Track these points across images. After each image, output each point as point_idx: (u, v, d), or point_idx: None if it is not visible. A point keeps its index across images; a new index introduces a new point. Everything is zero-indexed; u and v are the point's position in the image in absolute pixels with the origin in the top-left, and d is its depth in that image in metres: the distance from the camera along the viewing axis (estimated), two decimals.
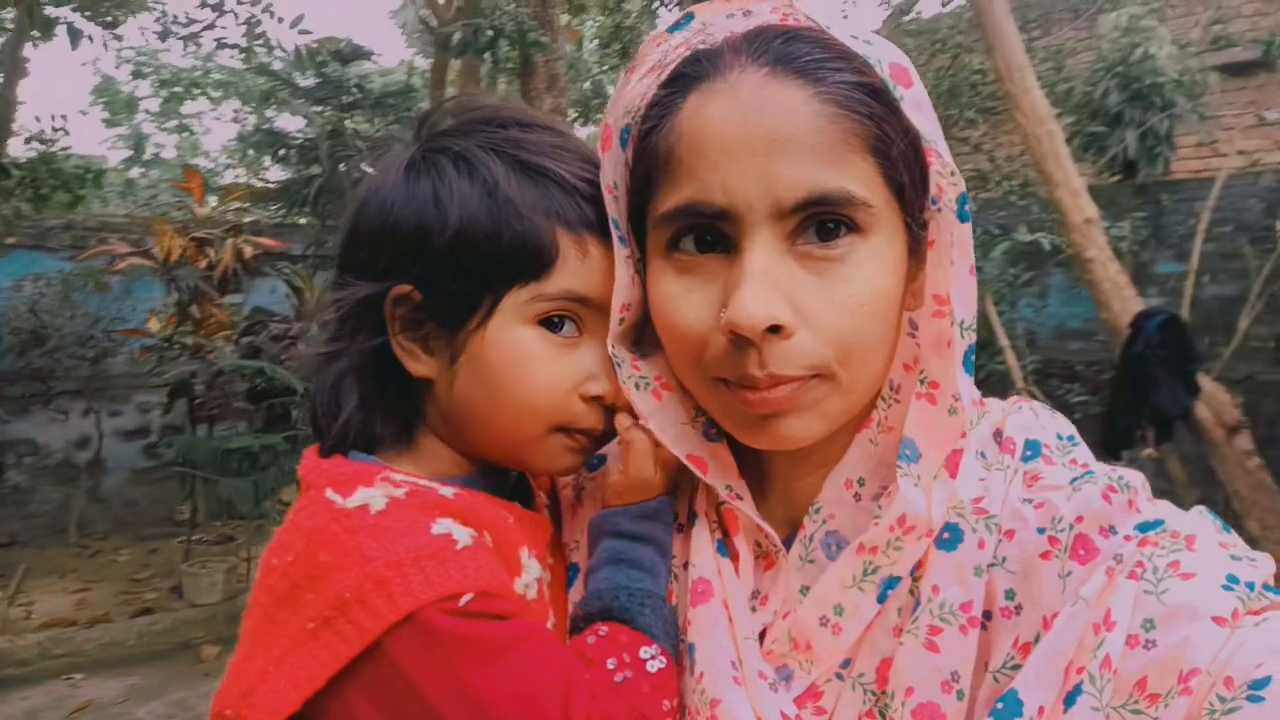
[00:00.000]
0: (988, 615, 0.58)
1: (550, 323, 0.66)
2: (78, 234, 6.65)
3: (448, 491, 0.64)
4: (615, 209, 0.67)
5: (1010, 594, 0.58)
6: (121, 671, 4.67)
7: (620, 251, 0.67)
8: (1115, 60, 6.66)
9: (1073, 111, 6.68)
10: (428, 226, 0.65)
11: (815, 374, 0.58)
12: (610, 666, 0.61)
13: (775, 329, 0.56)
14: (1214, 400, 4.12)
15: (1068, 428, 0.67)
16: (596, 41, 10.49)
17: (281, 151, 6.33)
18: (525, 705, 0.57)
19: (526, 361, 0.65)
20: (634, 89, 0.64)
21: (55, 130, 5.74)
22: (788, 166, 0.56)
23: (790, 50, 0.58)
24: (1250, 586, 0.53)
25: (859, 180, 0.57)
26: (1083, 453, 0.65)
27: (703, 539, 0.67)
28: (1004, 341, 5.79)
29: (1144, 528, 0.58)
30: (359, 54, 6.69)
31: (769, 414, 0.59)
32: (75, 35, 4.04)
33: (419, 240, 0.65)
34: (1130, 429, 4.08)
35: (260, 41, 4.56)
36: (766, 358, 0.57)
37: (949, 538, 0.59)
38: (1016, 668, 0.55)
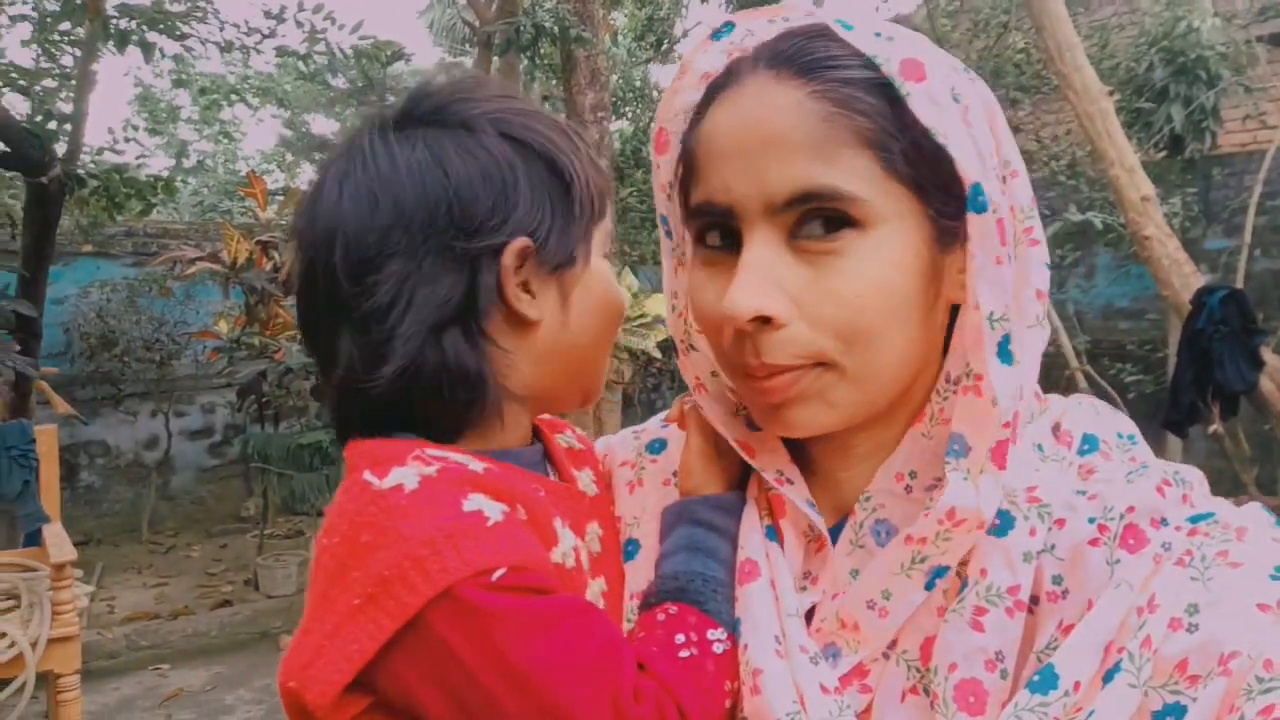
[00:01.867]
0: (1035, 600, 0.59)
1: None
2: (139, 240, 6.85)
3: (478, 466, 0.65)
4: (666, 207, 0.72)
5: (1058, 579, 0.59)
6: (206, 661, 4.84)
7: (666, 245, 0.74)
8: (1158, 35, 6.60)
9: (1117, 88, 6.63)
10: (553, 186, 0.70)
11: (815, 363, 0.60)
12: (678, 641, 0.64)
13: (764, 320, 0.58)
14: (1278, 374, 4.13)
15: (1129, 427, 0.68)
16: (630, 34, 10.54)
17: (321, 155, 6.43)
18: (564, 675, 0.59)
19: (613, 284, 0.76)
20: (681, 95, 0.68)
21: (126, 140, 5.90)
22: (777, 164, 0.58)
23: (798, 51, 0.60)
24: None
25: (852, 175, 0.58)
26: (1142, 451, 0.65)
27: (751, 522, 0.70)
28: (1055, 322, 5.80)
29: (1195, 520, 0.59)
30: (397, 55, 6.80)
31: (776, 403, 0.62)
32: (149, 50, 4.18)
33: (544, 199, 0.70)
34: (1195, 405, 4.09)
35: (320, 48, 4.66)
36: (760, 347, 0.60)
37: (1000, 524, 0.61)
38: (1058, 648, 0.57)
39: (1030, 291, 0.64)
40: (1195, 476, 0.63)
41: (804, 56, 0.59)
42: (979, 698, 0.57)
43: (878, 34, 0.60)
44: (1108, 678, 0.53)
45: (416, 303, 0.66)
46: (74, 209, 5.21)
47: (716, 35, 0.65)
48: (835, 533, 0.67)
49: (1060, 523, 0.60)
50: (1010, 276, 0.61)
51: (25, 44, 4.77)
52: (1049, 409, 0.68)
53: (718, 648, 0.64)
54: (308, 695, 0.59)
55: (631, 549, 0.75)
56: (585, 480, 0.78)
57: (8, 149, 4.18)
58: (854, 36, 0.59)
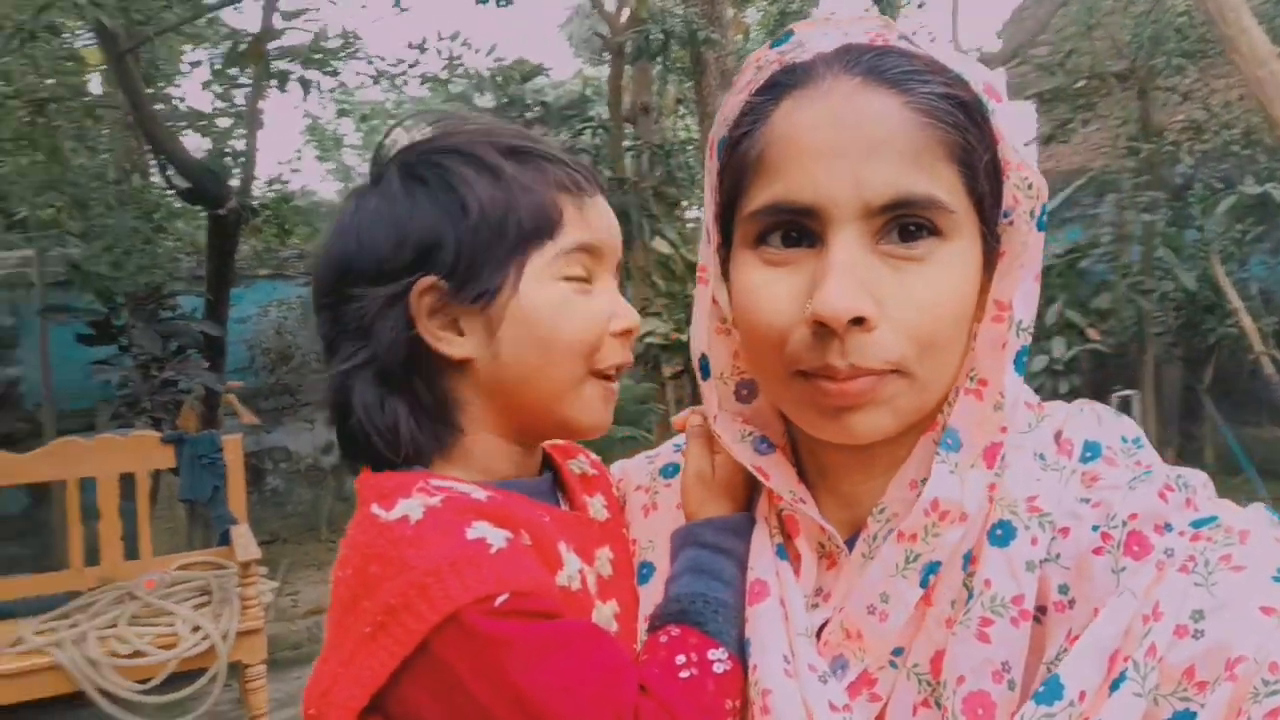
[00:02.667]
0: (1042, 610, 0.60)
1: (570, 277, 0.72)
2: (309, 262, 7.39)
3: (481, 495, 0.67)
4: (709, 214, 0.71)
5: (1064, 589, 0.59)
6: None
7: (709, 256, 0.71)
8: None
9: None
10: (451, 217, 0.70)
11: (894, 369, 0.60)
12: (679, 662, 0.65)
13: (859, 321, 0.58)
14: None
15: (1134, 430, 0.67)
16: (763, 30, 10.46)
17: None
18: (566, 697, 0.60)
19: (565, 307, 0.71)
20: (734, 102, 0.67)
21: (294, 170, 6.45)
22: (878, 169, 0.58)
23: (881, 63, 0.61)
24: None
25: (944, 186, 0.59)
26: (1147, 455, 0.65)
27: (762, 542, 0.71)
28: (1236, 303, 5.36)
29: (1198, 524, 0.59)
30: (535, 71, 7.06)
31: (845, 406, 0.61)
32: (307, 86, 4.55)
33: (443, 232, 0.70)
34: None
35: (460, 72, 4.93)
36: (849, 349, 0.59)
37: (1002, 535, 0.61)
38: (1064, 658, 0.57)
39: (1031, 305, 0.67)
40: (1199, 479, 0.63)
41: (891, 68, 0.60)
42: (987, 710, 0.58)
43: (947, 56, 0.62)
44: (1114, 687, 0.53)
45: (340, 351, 0.72)
46: (250, 236, 5.71)
47: (776, 44, 0.65)
48: (851, 544, 0.67)
49: (1064, 531, 0.60)
50: (1038, 293, 0.64)
51: (205, 86, 5.27)
52: (1049, 417, 0.68)
53: (718, 667, 0.65)
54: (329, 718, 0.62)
55: (646, 572, 0.76)
56: (597, 506, 0.79)
57: (190, 185, 4.63)
58: (935, 54, 0.61)
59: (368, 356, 0.71)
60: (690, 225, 6.80)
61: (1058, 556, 0.60)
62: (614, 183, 5.92)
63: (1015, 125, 0.62)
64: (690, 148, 7.40)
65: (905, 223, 0.59)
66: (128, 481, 3.54)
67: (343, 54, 4.72)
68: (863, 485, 0.68)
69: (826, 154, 0.59)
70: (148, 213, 4.59)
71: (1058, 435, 0.66)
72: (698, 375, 0.74)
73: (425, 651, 0.60)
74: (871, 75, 0.60)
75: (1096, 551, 0.59)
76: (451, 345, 0.71)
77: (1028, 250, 0.62)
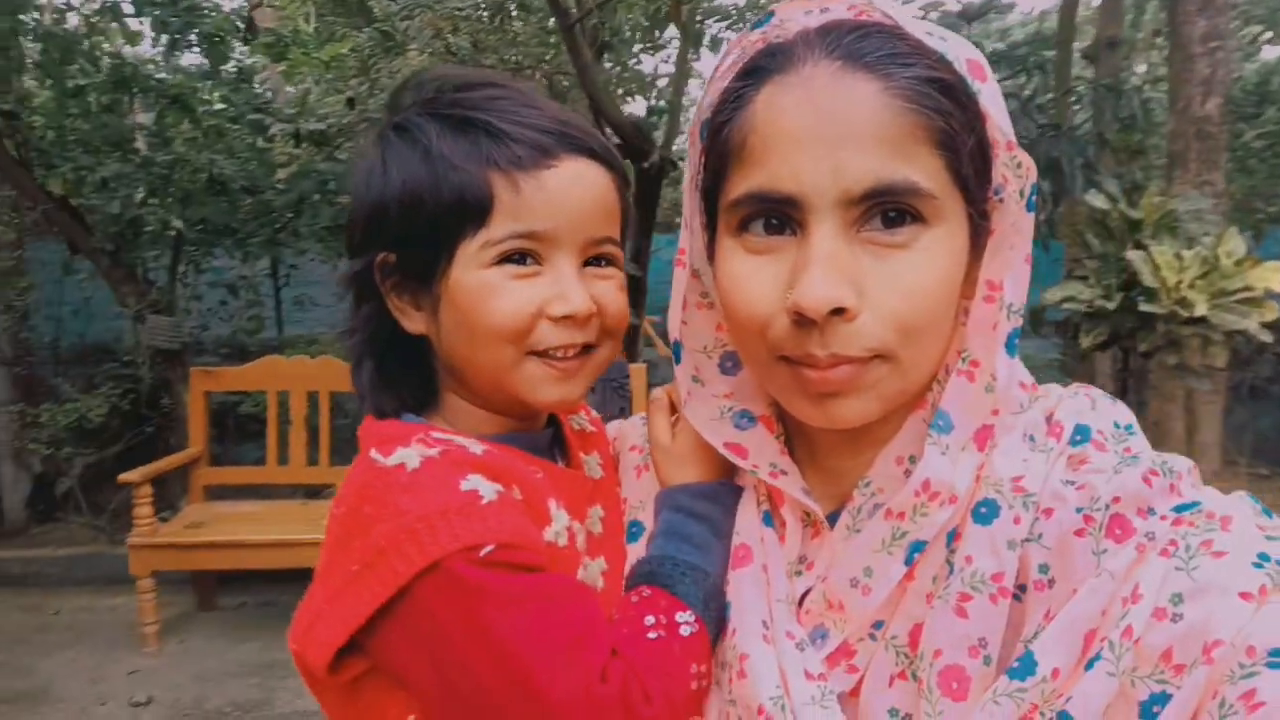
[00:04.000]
0: (1022, 588, 0.60)
1: (508, 260, 0.69)
2: None
3: (478, 449, 0.68)
4: (691, 199, 0.71)
5: (1044, 568, 0.60)
6: None
7: (689, 239, 0.72)
8: None
9: None
10: (384, 195, 0.70)
11: (876, 355, 0.61)
12: (648, 623, 0.65)
13: (839, 311, 0.58)
14: None
15: (1126, 416, 0.66)
16: None
17: None
18: (540, 650, 0.61)
19: (489, 294, 0.69)
20: (716, 85, 0.67)
21: None
22: (856, 157, 0.58)
23: (862, 46, 0.60)
24: None
25: (925, 172, 0.59)
26: (1138, 442, 0.64)
27: (749, 510, 0.72)
28: None
29: (1181, 509, 0.59)
30: (988, 8, 6.54)
31: (829, 393, 0.62)
32: (716, 45, 4.80)
33: (382, 209, 0.70)
34: None
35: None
36: (829, 338, 0.59)
37: (986, 513, 0.61)
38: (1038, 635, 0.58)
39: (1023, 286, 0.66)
40: (1184, 465, 0.62)
41: (871, 52, 0.60)
42: (962, 683, 0.58)
43: (929, 33, 0.61)
44: (1088, 666, 0.54)
45: (349, 309, 0.77)
46: (669, 187, 6.22)
47: (757, 25, 0.66)
48: (833, 520, 0.69)
49: (1048, 512, 0.60)
50: (1028, 274, 0.64)
51: (637, 49, 5.79)
52: (1042, 399, 0.67)
53: (684, 630, 0.66)
54: (308, 656, 0.65)
55: (636, 531, 0.79)
56: (592, 464, 0.81)
57: (620, 142, 5.19)
58: (917, 33, 0.60)
59: (353, 324, 0.75)
60: (1140, 173, 5.91)
61: (1040, 536, 0.60)
62: (1048, 129, 5.35)
63: (1002, 104, 0.61)
64: (1158, 87, 6.38)
65: (887, 210, 0.59)
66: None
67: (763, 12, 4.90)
68: (848, 460, 0.69)
69: (806, 143, 0.59)
70: None
71: (1049, 417, 0.66)
72: (672, 359, 0.77)
73: (408, 595, 0.61)
74: (852, 59, 0.60)
75: (1078, 533, 0.59)
76: (410, 320, 0.73)
77: (1018, 231, 0.62)
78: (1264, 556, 0.54)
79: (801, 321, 0.60)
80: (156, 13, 4.70)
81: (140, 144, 5.33)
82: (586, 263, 0.72)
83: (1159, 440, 5.10)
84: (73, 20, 5.39)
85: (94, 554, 4.99)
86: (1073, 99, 5.93)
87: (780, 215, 0.62)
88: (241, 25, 4.98)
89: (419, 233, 0.70)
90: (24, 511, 5.84)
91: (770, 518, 0.71)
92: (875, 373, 0.61)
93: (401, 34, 5.05)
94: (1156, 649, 0.53)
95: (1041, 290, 5.79)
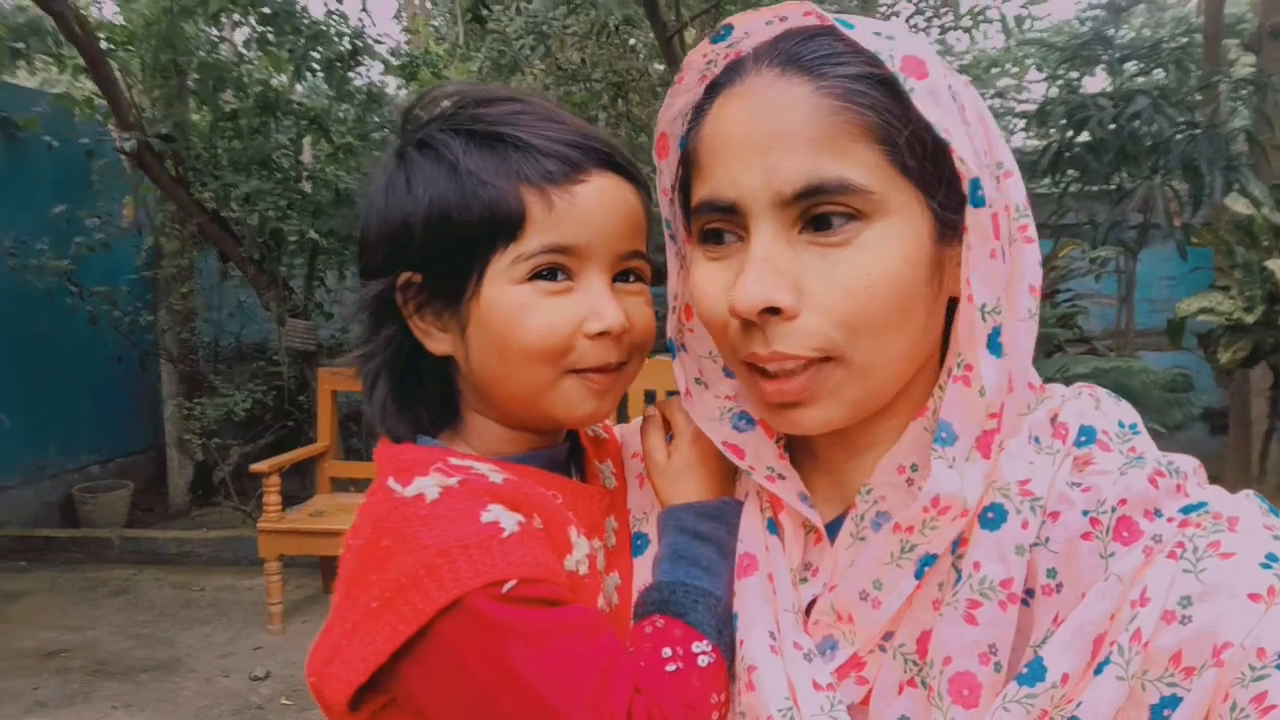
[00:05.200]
0: (1030, 593, 0.59)
1: (540, 276, 0.67)
2: None
3: (498, 477, 0.66)
4: (669, 210, 0.72)
5: (1052, 573, 0.59)
6: None
7: (670, 248, 0.73)
8: None
9: None
10: (409, 214, 0.68)
11: (825, 356, 0.61)
12: (665, 656, 0.64)
13: (775, 310, 0.60)
14: None
15: (1131, 416, 0.65)
16: None
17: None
18: (564, 687, 0.59)
19: (522, 312, 0.67)
20: (682, 97, 0.69)
21: None
22: (788, 159, 0.59)
23: (801, 49, 0.61)
24: None
25: (860, 168, 0.59)
26: (1143, 442, 0.63)
27: (752, 517, 0.71)
28: None
29: (1188, 510, 0.58)
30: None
31: (786, 404, 0.63)
32: None
33: (406, 228, 0.68)
34: None
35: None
36: (770, 337, 0.61)
37: (993, 518, 0.60)
38: (1048, 641, 0.57)
39: (1024, 286, 0.64)
40: (1190, 465, 0.62)
41: (809, 55, 0.61)
42: (973, 690, 0.58)
43: (877, 33, 0.62)
44: (1097, 670, 0.54)
45: (364, 329, 0.74)
46: None
47: (717, 38, 0.67)
48: (838, 525, 0.68)
49: (1054, 516, 0.60)
50: (1004, 271, 0.61)
51: None
52: (1048, 400, 0.66)
53: (702, 660, 0.65)
54: (326, 691, 0.63)
55: (641, 543, 0.77)
56: (606, 473, 0.80)
57: None
58: (856, 35, 0.61)
59: (371, 348, 0.72)
60: None
61: (1047, 540, 0.60)
62: (1185, 126, 4.99)
63: (946, 101, 0.60)
64: None
65: (827, 209, 0.60)
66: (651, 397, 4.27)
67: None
68: (845, 465, 0.69)
69: (741, 150, 0.61)
70: None
71: (1054, 418, 0.65)
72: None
73: (430, 633, 0.60)
74: (789, 64, 0.61)
75: (1085, 536, 0.59)
76: (435, 341, 0.71)
77: (973, 226, 0.60)
78: (1272, 557, 0.54)
79: (746, 324, 0.61)
80: (298, 41, 5.10)
81: (287, 161, 5.80)
82: (615, 278, 0.71)
83: None
84: (224, 51, 5.91)
85: (238, 537, 5.47)
86: (1226, 95, 5.48)
87: (729, 222, 0.63)
88: (356, 48, 5.31)
89: (447, 251, 0.68)
90: (187, 495, 6.48)
91: (774, 525, 0.71)
92: (831, 378, 0.61)
93: (516, 52, 5.26)
94: (1166, 652, 0.53)
95: (1178, 302, 5.40)
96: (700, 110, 0.66)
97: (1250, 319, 4.49)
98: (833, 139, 0.59)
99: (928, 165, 0.60)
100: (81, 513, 6.02)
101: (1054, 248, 5.12)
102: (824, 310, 0.60)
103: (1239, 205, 4.72)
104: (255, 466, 4.43)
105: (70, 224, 5.73)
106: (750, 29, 0.65)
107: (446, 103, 0.73)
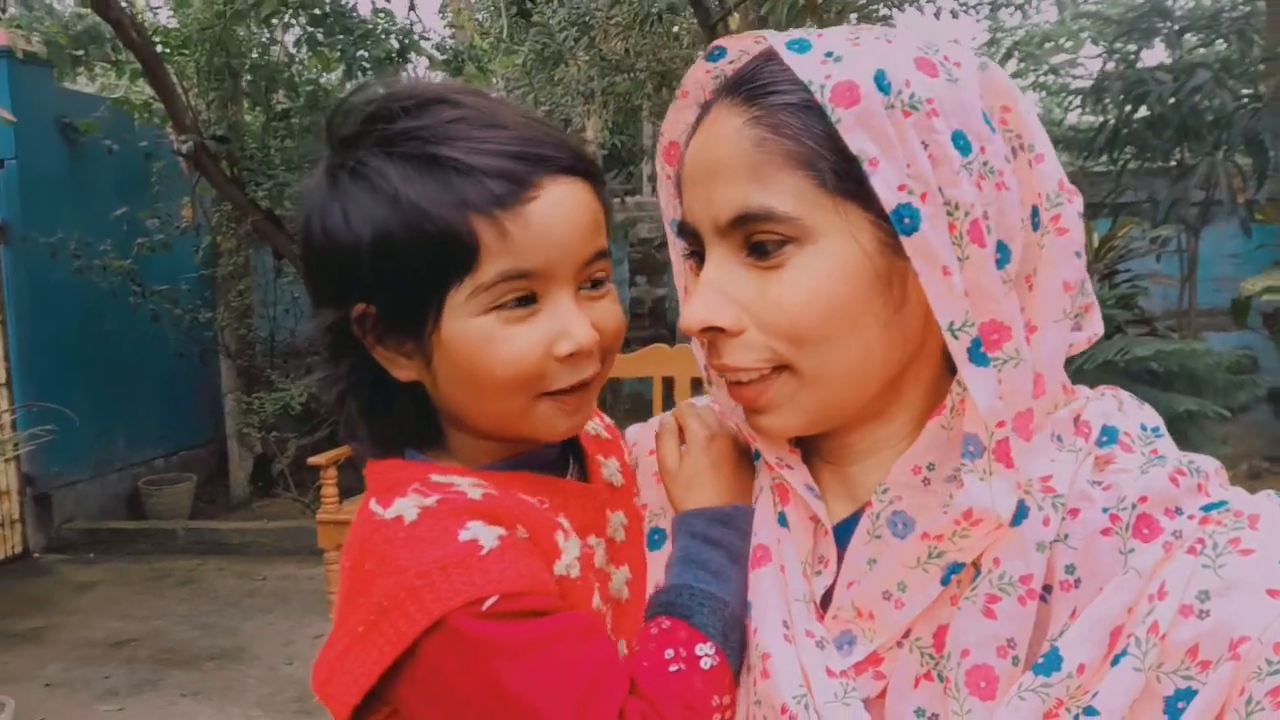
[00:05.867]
0: (1048, 589, 0.60)
1: (502, 305, 0.65)
2: None
3: (476, 493, 0.66)
4: (677, 211, 0.74)
5: (1070, 569, 0.59)
6: None
7: (677, 245, 0.75)
8: None
9: None
10: (351, 248, 0.64)
11: (774, 366, 0.64)
12: (668, 656, 0.65)
13: (718, 329, 0.64)
14: None
15: (1154, 419, 0.66)
16: None
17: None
18: (555, 698, 0.60)
19: (488, 344, 0.64)
20: (683, 114, 0.72)
21: None
22: (722, 189, 0.63)
23: (751, 79, 0.64)
24: None
25: (785, 196, 0.61)
26: (1165, 444, 0.64)
27: (765, 510, 0.73)
28: None
29: (1208, 508, 0.59)
30: None
31: (752, 409, 0.67)
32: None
33: (349, 262, 0.65)
34: None
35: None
36: (723, 351, 0.65)
37: (1015, 514, 0.60)
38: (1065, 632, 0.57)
39: (1056, 284, 0.63)
40: (1211, 466, 0.63)
41: (750, 84, 0.64)
42: (990, 683, 0.59)
43: (829, 54, 0.61)
44: (1114, 662, 0.55)
45: (326, 352, 0.71)
46: None
47: (711, 57, 0.69)
48: (849, 524, 0.69)
49: (1074, 513, 0.60)
50: (960, 286, 0.59)
51: None
52: (1073, 401, 0.67)
53: (705, 663, 0.65)
54: (330, 705, 0.64)
55: (658, 538, 0.78)
56: (611, 469, 0.79)
57: None
58: (800, 60, 0.62)
59: (334, 372, 0.70)
60: None
61: (1066, 537, 0.60)
62: (1247, 99, 4.82)
63: (879, 124, 0.59)
64: None
65: (761, 236, 0.62)
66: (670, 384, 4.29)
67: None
68: (850, 467, 0.71)
69: (694, 179, 0.66)
70: None
71: (1076, 418, 0.65)
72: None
73: (416, 654, 0.60)
74: (735, 94, 0.64)
75: (1105, 533, 0.59)
76: (400, 369, 0.69)
77: (913, 252, 0.60)
78: None
79: (703, 340, 0.67)
80: (349, 40, 5.17)
81: None
82: (579, 287, 0.68)
83: None
84: (275, 52, 6.02)
85: (299, 528, 5.60)
86: None
87: (697, 243, 0.67)
88: (404, 45, 5.37)
89: (397, 285, 0.64)
90: (247, 487, 6.65)
91: (785, 519, 0.72)
92: (785, 387, 0.64)
93: (559, 44, 5.27)
94: (1182, 645, 0.53)
95: (1242, 281, 5.23)
96: (693, 129, 0.69)
97: None
98: (758, 169, 0.61)
99: (865, 183, 0.60)
100: (147, 505, 6.21)
101: (1112, 227, 5.00)
102: (765, 327, 0.63)
103: None
104: (313, 460, 4.52)
105: (131, 225, 5.90)
106: (744, 49, 0.68)
107: (370, 110, 0.66)
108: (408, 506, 0.64)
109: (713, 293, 0.64)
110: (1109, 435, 0.64)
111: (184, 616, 4.69)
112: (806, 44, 0.63)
